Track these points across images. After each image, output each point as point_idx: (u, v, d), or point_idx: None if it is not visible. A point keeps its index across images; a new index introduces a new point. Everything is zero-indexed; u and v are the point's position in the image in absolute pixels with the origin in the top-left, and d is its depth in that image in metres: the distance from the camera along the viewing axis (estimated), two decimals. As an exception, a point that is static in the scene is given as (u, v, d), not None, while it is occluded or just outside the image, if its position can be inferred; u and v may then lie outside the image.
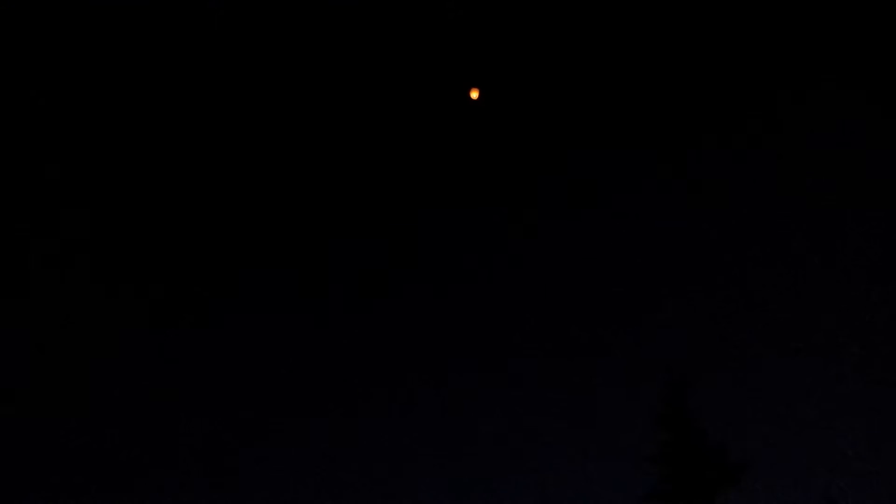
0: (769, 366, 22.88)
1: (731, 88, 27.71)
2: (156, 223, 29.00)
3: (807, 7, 26.70)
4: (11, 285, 27.54)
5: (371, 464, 25.43)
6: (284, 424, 26.90)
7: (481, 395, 26.89)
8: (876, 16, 25.71)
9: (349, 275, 29.17)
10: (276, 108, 29.53)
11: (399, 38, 28.59)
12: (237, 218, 30.26)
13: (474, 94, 25.99)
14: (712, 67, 27.99)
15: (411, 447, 25.68)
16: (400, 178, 29.54)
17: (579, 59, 28.76)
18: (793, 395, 21.85)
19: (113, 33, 28.04)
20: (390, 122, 29.37)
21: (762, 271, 26.45)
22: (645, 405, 17.61)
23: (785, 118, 27.07)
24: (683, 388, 17.38)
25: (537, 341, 28.08)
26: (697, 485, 16.89)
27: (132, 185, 29.25)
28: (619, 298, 27.31)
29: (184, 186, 29.40)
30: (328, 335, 28.54)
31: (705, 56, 27.97)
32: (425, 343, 28.37)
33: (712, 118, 28.20)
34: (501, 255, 29.69)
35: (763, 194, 26.76)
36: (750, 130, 27.80)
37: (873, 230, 24.27)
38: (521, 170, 29.48)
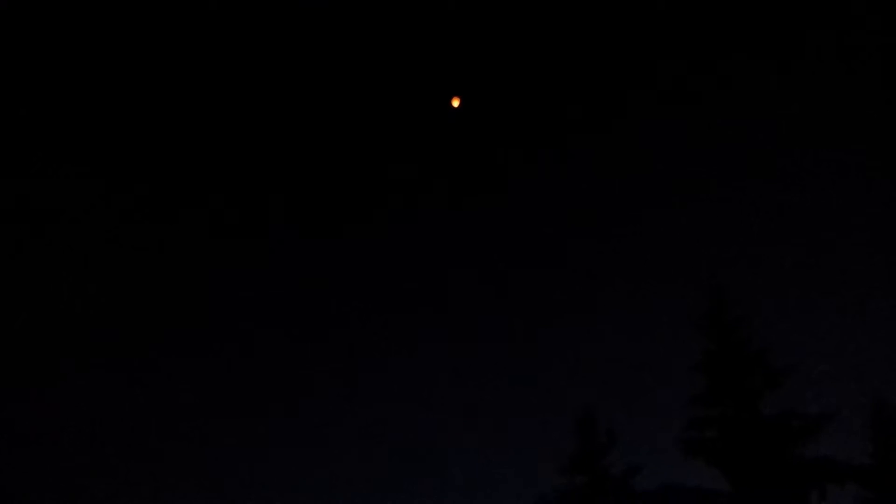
0: (811, 271, 22.89)
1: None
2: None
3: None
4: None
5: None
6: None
7: (537, 305, 27.59)
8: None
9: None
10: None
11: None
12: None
13: (455, 103, 26.25)
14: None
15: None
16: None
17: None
18: (836, 298, 21.92)
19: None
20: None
21: (799, 180, 26.24)
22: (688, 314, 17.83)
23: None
24: (723, 295, 17.54)
25: (579, 254, 28.52)
26: (741, 390, 17.19)
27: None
28: (658, 207, 27.46)
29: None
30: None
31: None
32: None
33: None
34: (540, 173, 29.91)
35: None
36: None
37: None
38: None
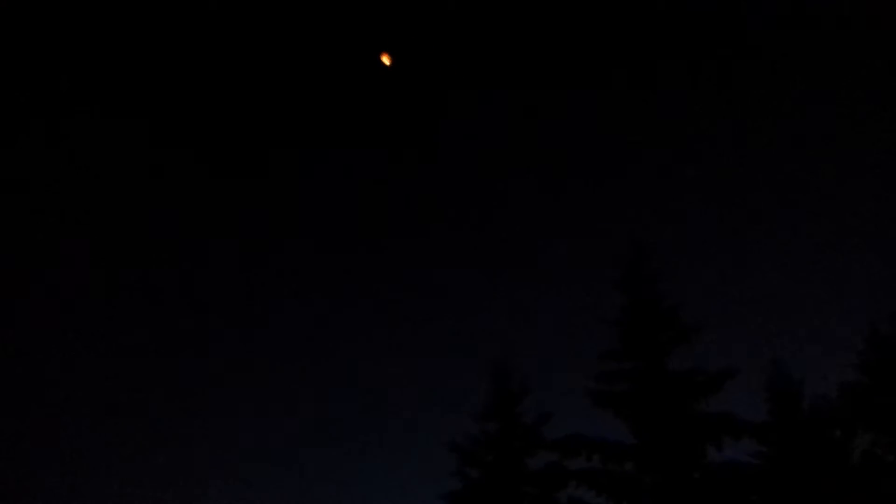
0: (725, 234, 23.81)
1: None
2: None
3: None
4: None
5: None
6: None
7: (458, 257, 27.85)
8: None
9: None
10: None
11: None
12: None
13: (386, 60, 25.96)
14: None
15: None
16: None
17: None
18: (747, 261, 22.86)
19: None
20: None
21: (725, 143, 27.05)
22: (606, 270, 18.33)
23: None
24: (642, 253, 18.07)
25: (501, 211, 28.80)
26: (652, 344, 17.77)
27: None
28: (586, 162, 27.93)
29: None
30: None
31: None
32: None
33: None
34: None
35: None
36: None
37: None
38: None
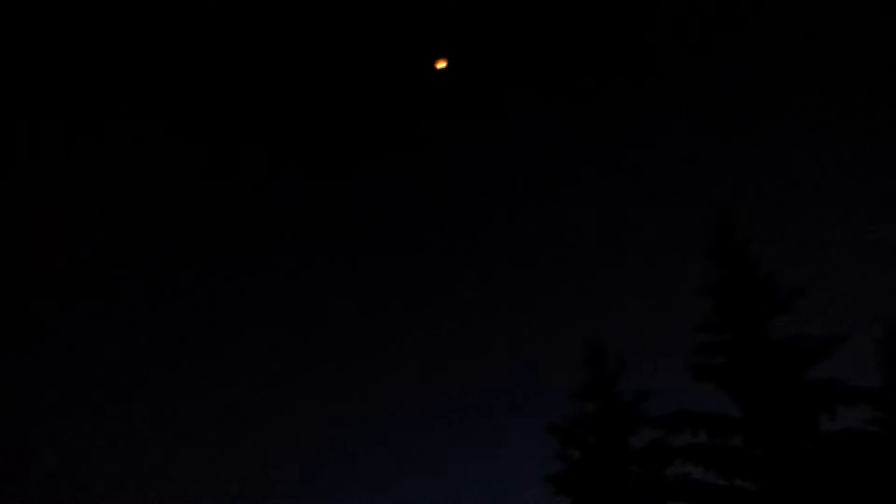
0: (820, 194, 22.82)
1: None
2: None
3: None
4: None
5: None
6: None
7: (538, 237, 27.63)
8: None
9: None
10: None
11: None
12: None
13: (441, 65, 25.68)
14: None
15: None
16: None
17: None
18: (845, 221, 21.85)
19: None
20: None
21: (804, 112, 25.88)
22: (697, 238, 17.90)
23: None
24: (731, 219, 17.61)
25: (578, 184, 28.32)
26: (749, 314, 17.30)
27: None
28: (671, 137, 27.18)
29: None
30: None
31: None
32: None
33: None
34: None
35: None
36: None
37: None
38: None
